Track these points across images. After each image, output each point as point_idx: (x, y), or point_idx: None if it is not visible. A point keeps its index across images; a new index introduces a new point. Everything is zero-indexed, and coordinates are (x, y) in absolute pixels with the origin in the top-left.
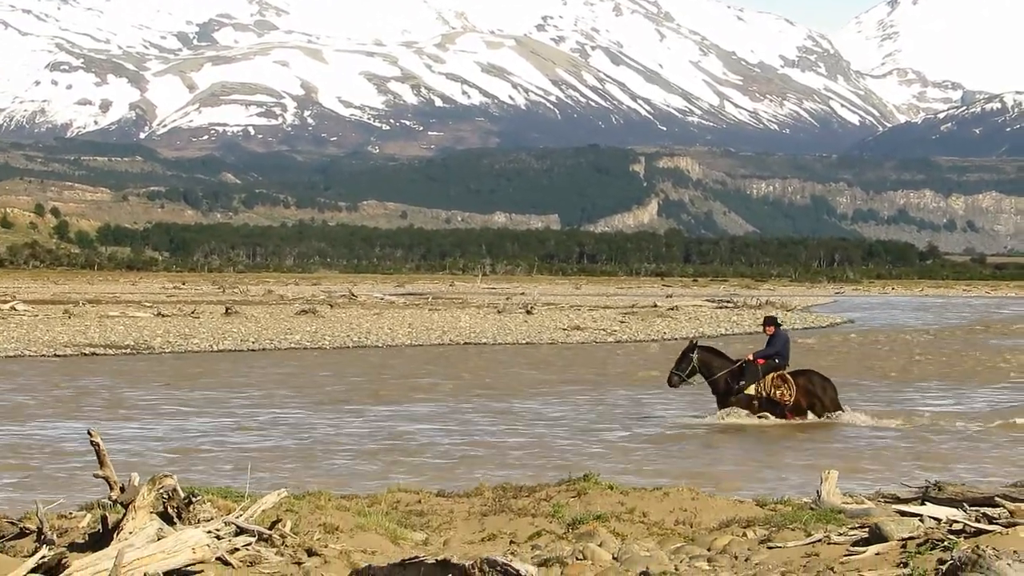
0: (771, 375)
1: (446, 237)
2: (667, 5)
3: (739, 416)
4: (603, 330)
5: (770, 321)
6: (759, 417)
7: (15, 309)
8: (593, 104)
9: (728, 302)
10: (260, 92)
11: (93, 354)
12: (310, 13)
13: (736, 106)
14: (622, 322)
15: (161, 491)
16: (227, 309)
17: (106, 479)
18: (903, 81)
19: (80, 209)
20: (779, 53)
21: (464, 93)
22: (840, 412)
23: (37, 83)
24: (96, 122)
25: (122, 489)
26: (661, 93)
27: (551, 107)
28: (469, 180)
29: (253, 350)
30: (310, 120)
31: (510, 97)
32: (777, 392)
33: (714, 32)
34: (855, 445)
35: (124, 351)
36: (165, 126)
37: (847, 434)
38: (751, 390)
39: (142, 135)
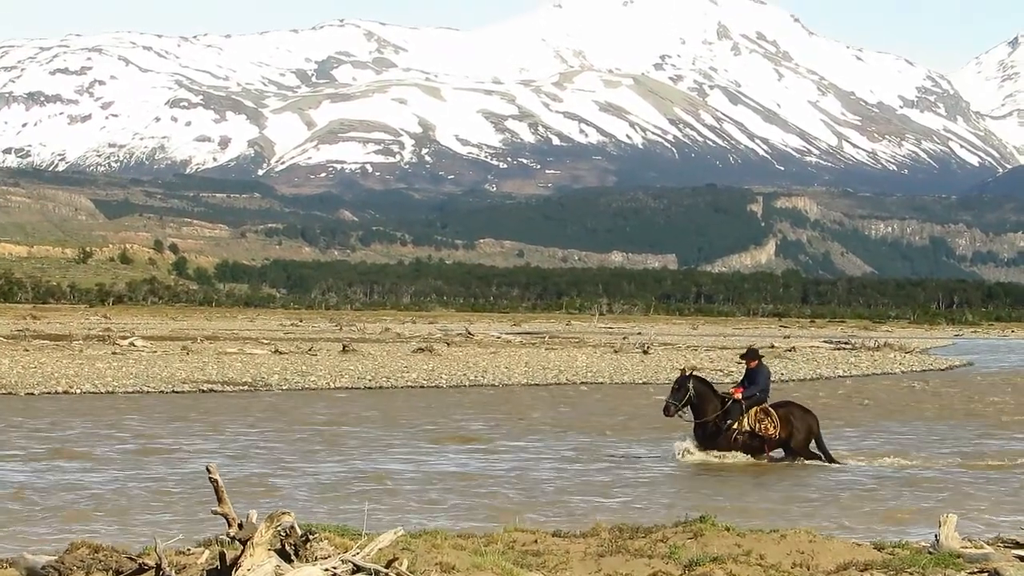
0: (754, 409)
1: (563, 276)
2: (785, 45)
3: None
4: (720, 371)
5: (752, 355)
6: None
7: (134, 345)
8: (711, 143)
9: (846, 343)
10: (378, 130)
11: (211, 391)
12: (428, 51)
13: (854, 146)
14: (739, 363)
15: (279, 528)
16: (344, 346)
17: (224, 515)
18: (1023, 122)
19: (198, 246)
20: (898, 93)
21: (582, 132)
22: (814, 450)
23: (157, 119)
24: (215, 159)
25: (240, 526)
26: (779, 133)
27: (669, 146)
28: (586, 219)
29: (370, 388)
30: (427, 158)
31: (627, 136)
32: (760, 426)
33: (832, 72)
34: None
35: (241, 388)
36: (283, 163)
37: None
38: (735, 426)
39: (260, 172)
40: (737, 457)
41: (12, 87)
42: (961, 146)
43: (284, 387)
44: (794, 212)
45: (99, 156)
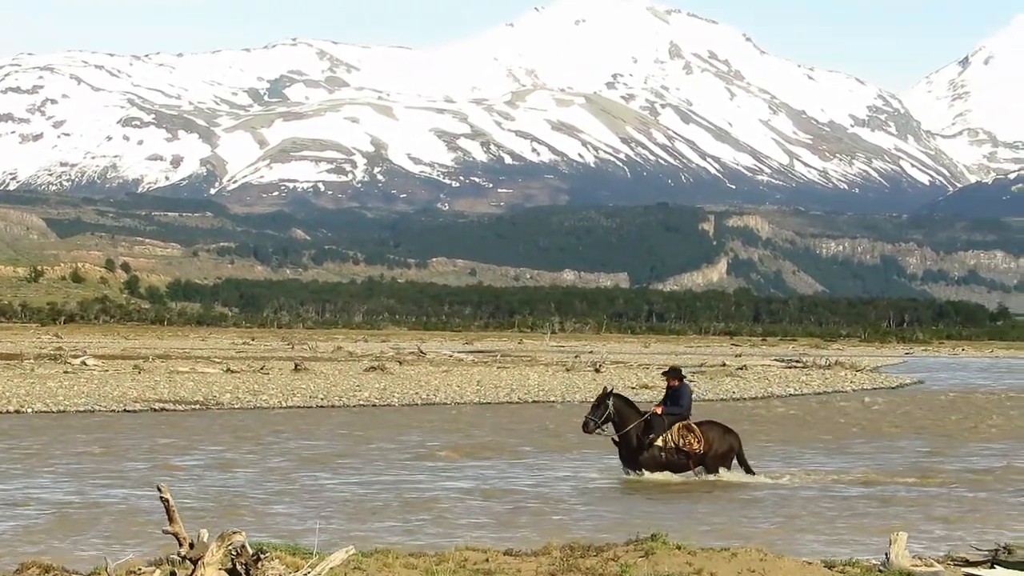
0: (677, 425)
1: (515, 295)
2: (737, 64)
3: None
4: None
5: (675, 373)
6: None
7: (86, 364)
8: (663, 162)
9: (797, 362)
10: (330, 148)
11: (163, 409)
12: (380, 70)
13: (806, 165)
14: (691, 381)
15: (230, 547)
16: (296, 365)
17: (175, 535)
18: (974, 141)
19: (150, 264)
20: (849, 112)
21: (534, 150)
22: (729, 466)
23: (109, 138)
24: (167, 177)
25: (191, 545)
26: (731, 151)
27: (621, 165)
28: (538, 238)
29: (322, 406)
30: (380, 177)
31: (580, 155)
32: (684, 441)
33: (784, 91)
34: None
35: (193, 407)
36: (235, 182)
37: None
38: (659, 442)
39: (212, 191)
40: (656, 476)
41: None
42: (912, 165)
43: (236, 406)
44: (746, 231)
45: (51, 175)
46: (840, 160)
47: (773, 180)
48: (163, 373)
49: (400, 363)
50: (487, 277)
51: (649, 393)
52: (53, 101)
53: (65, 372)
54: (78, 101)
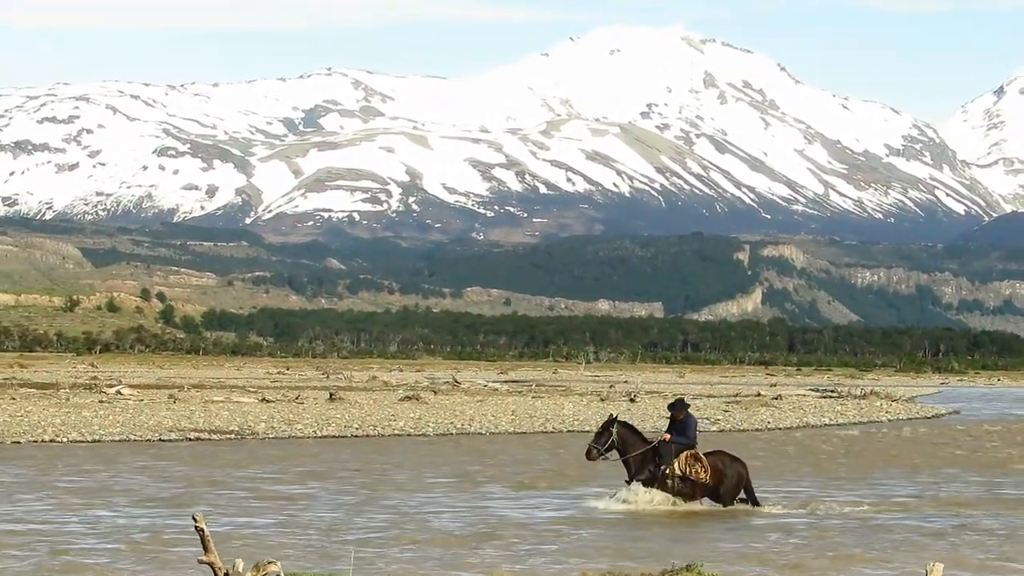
0: (685, 454)
1: (549, 324)
2: (772, 93)
3: (636, 499)
4: (706, 419)
5: (679, 406)
6: (673, 503)
7: (120, 393)
8: (697, 192)
9: (832, 392)
10: (365, 178)
11: (198, 439)
12: (415, 100)
13: (841, 195)
14: (725, 411)
15: None
16: (331, 395)
17: (210, 564)
18: (1009, 171)
19: (186, 294)
20: (884, 142)
21: (568, 180)
22: (742, 495)
23: (145, 168)
24: (202, 207)
25: (227, 574)
26: (766, 181)
27: (655, 195)
28: (573, 267)
29: (357, 436)
30: (415, 206)
31: (614, 184)
32: (692, 471)
33: (819, 120)
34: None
35: (228, 436)
36: (271, 211)
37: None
38: (666, 469)
39: (248, 220)
40: (661, 504)
41: (0, 136)
42: (947, 194)
43: (271, 435)
44: (780, 260)
45: (86, 204)
46: (875, 190)
47: (808, 210)
48: (198, 403)
49: (435, 393)
50: (522, 306)
51: None
52: (89, 131)
53: (100, 401)
54: (114, 131)
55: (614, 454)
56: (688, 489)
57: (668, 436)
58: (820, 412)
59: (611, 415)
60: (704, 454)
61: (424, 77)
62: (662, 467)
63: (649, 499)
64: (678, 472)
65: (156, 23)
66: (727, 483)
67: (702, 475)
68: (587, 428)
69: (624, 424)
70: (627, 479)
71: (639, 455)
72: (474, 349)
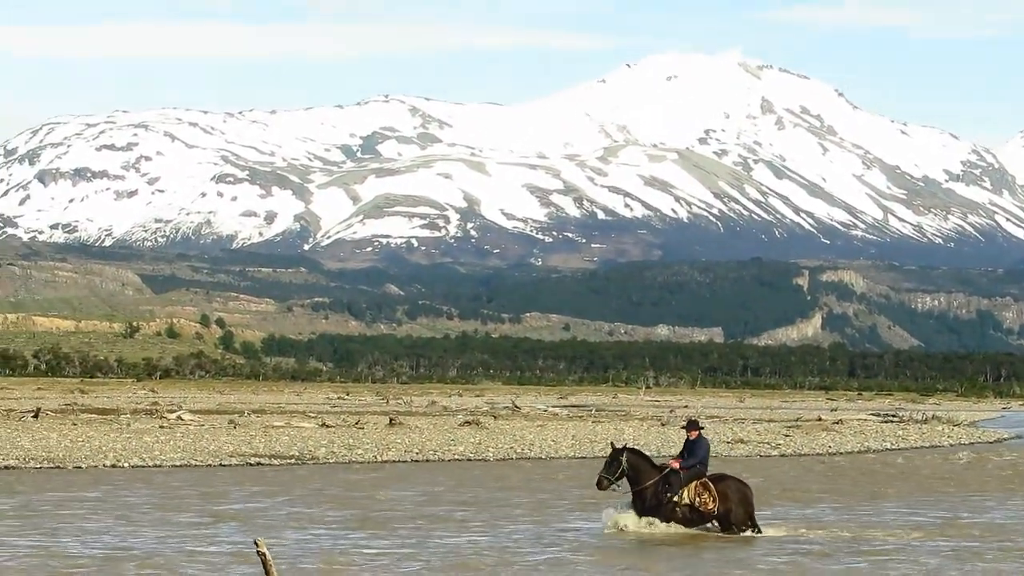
0: (694, 483)
1: (609, 349)
2: (830, 119)
3: (632, 522)
4: (767, 443)
5: (694, 425)
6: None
7: (181, 419)
8: (756, 217)
9: (894, 416)
10: (423, 204)
11: (258, 464)
12: (472, 126)
13: (900, 219)
14: (786, 435)
15: None
16: (391, 420)
17: None
18: None
19: (245, 320)
20: (943, 167)
21: (627, 206)
22: (749, 524)
23: (203, 195)
24: (261, 233)
25: None
26: (824, 207)
27: (714, 220)
28: (632, 292)
29: (416, 461)
30: (473, 232)
31: (672, 210)
32: (700, 500)
33: (877, 146)
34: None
35: (288, 461)
36: (329, 237)
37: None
38: (676, 498)
39: (306, 246)
40: (671, 528)
41: (59, 163)
42: (1007, 219)
43: (331, 460)
44: (840, 285)
45: (145, 231)
46: (935, 215)
47: (867, 235)
48: (258, 428)
49: (495, 417)
50: (581, 332)
51: (744, 447)
52: (147, 158)
53: (161, 427)
54: (172, 158)
55: (625, 484)
56: (696, 519)
57: (678, 462)
58: (882, 436)
59: (615, 444)
60: (711, 480)
61: (481, 104)
62: (670, 495)
63: (647, 524)
64: (686, 502)
65: (214, 51)
66: (736, 511)
67: (710, 505)
68: (647, 453)
69: (633, 451)
70: (636, 508)
71: (651, 486)
72: (533, 374)
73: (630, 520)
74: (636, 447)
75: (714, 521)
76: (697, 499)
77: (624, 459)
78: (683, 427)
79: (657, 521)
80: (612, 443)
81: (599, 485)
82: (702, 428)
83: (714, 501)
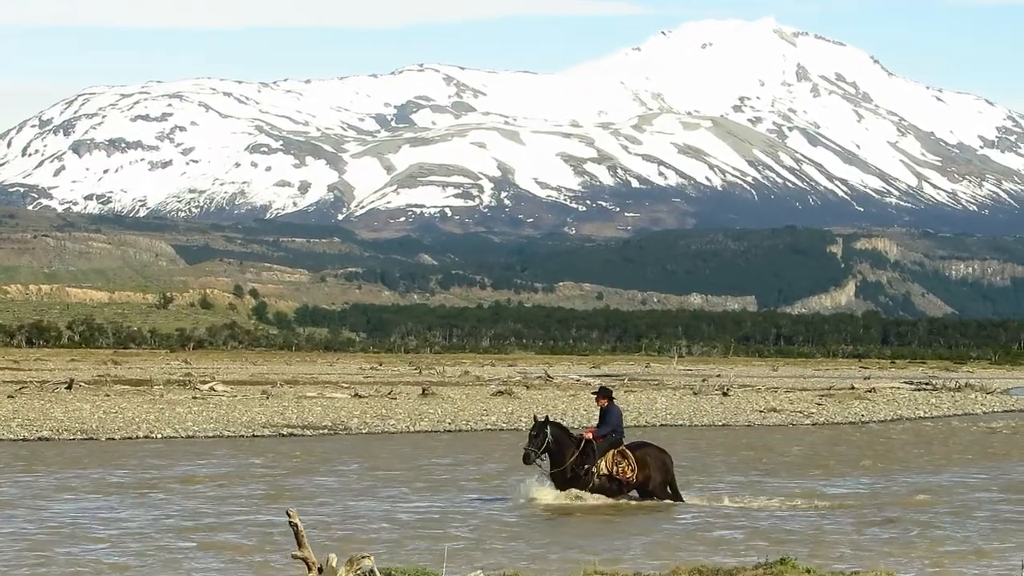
0: (611, 452)
1: (642, 318)
2: (865, 86)
3: (545, 494)
4: (800, 412)
5: (604, 393)
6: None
7: (214, 390)
8: (790, 185)
9: (927, 384)
10: (457, 173)
11: (291, 435)
12: (507, 95)
13: (934, 187)
14: (819, 404)
15: (359, 571)
16: (424, 390)
17: (304, 560)
18: None
19: (278, 290)
20: (978, 133)
21: (661, 174)
22: (668, 492)
23: (237, 165)
24: (295, 203)
25: (320, 569)
26: (859, 174)
27: (748, 188)
28: (665, 261)
29: (449, 431)
30: (507, 201)
31: (707, 178)
32: (618, 469)
33: (912, 113)
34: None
35: (321, 432)
36: (363, 207)
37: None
38: (592, 468)
39: (340, 216)
40: (595, 499)
41: (93, 134)
42: None
43: (364, 430)
44: (874, 253)
45: (179, 202)
46: (969, 182)
47: (901, 202)
48: (291, 398)
49: (527, 387)
50: (614, 301)
51: (777, 416)
52: (182, 128)
53: (194, 398)
54: (206, 128)
55: (546, 458)
56: (615, 488)
57: (591, 433)
58: (915, 405)
59: (537, 416)
60: (630, 448)
61: (515, 72)
62: (587, 466)
63: (575, 496)
64: (604, 471)
65: (247, 21)
66: (655, 479)
67: (628, 474)
68: (679, 422)
69: (556, 424)
70: (559, 484)
71: (573, 462)
72: (566, 344)
73: (547, 494)
74: (558, 421)
75: (631, 491)
76: (615, 468)
77: (549, 432)
78: (594, 394)
79: (585, 494)
80: (535, 415)
81: (526, 459)
82: (613, 397)
83: (632, 469)
